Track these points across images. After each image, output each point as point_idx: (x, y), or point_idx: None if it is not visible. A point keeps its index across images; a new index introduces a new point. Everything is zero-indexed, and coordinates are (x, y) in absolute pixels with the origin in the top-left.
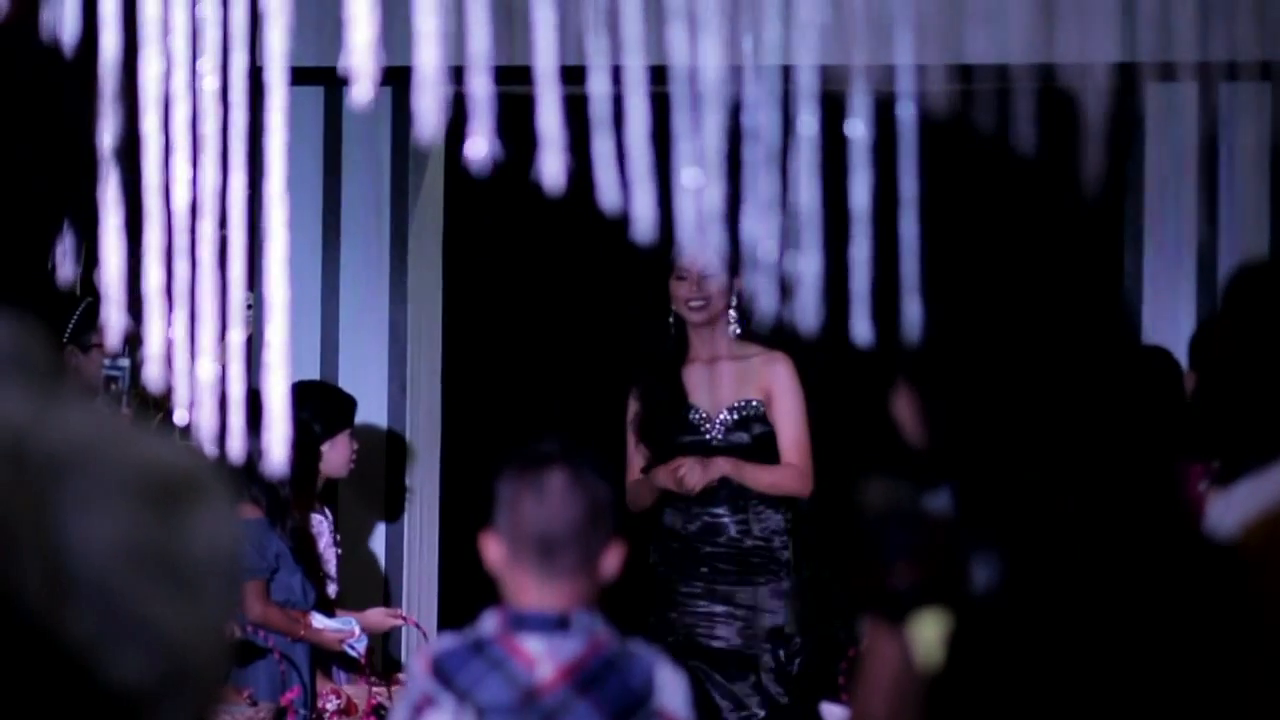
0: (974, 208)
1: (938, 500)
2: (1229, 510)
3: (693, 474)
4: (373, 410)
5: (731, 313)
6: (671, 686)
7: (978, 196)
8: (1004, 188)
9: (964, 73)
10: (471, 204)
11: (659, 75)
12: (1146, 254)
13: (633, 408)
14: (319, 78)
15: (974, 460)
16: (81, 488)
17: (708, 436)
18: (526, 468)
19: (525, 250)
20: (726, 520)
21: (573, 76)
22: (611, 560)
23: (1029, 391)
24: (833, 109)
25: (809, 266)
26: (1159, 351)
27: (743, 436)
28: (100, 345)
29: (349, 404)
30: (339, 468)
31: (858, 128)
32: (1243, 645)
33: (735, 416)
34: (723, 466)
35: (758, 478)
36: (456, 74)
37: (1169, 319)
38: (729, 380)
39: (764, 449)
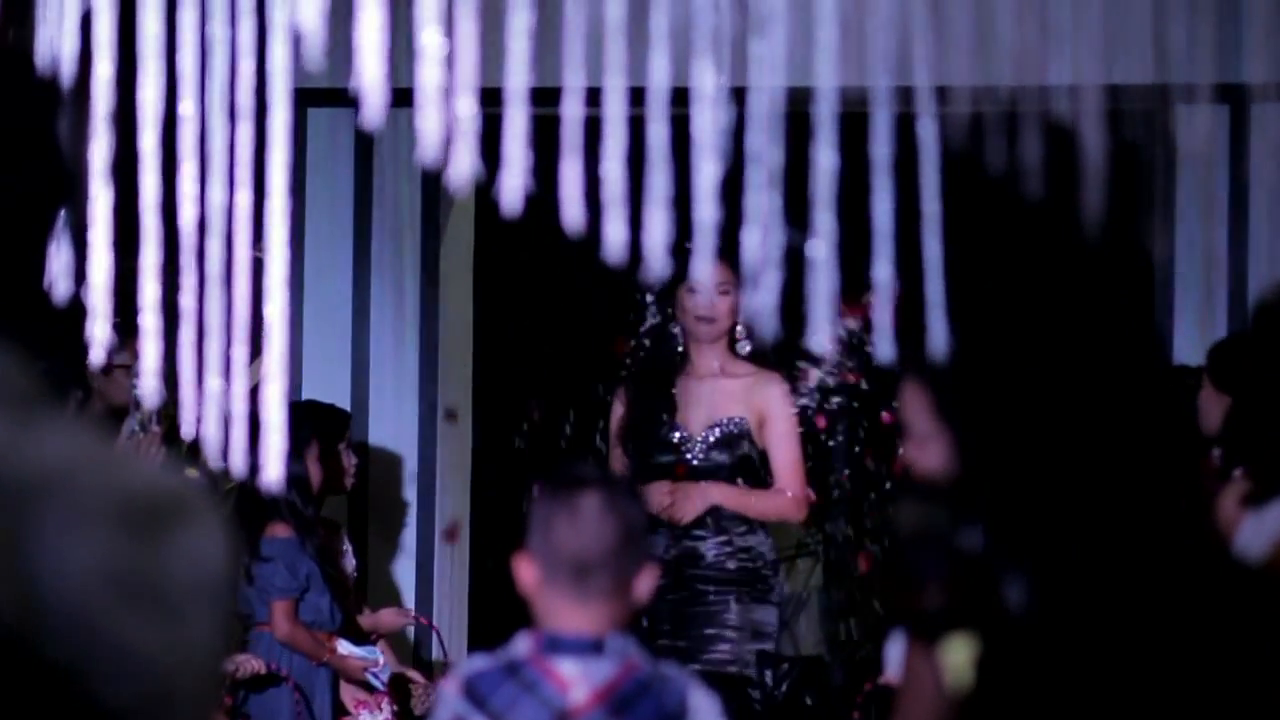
0: (1004, 233)
1: (969, 523)
2: (1260, 530)
3: (683, 508)
4: (404, 432)
5: (740, 329)
6: (705, 709)
7: (1007, 221)
8: (1031, 213)
9: (991, 95)
10: (502, 227)
11: (638, 96)
12: (1177, 276)
13: (617, 411)
14: (351, 99)
15: (1004, 484)
16: (56, 512)
17: (688, 455)
18: (560, 491)
19: (556, 273)
20: (708, 543)
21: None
22: (645, 583)
23: (1059, 415)
24: (857, 129)
25: (822, 284)
26: (1199, 372)
27: (723, 457)
28: (123, 366)
29: (342, 418)
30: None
31: (880, 147)
32: (1276, 666)
33: (718, 434)
34: (714, 496)
35: (751, 505)
36: (489, 96)
37: (1200, 341)
38: (718, 397)
39: (745, 469)
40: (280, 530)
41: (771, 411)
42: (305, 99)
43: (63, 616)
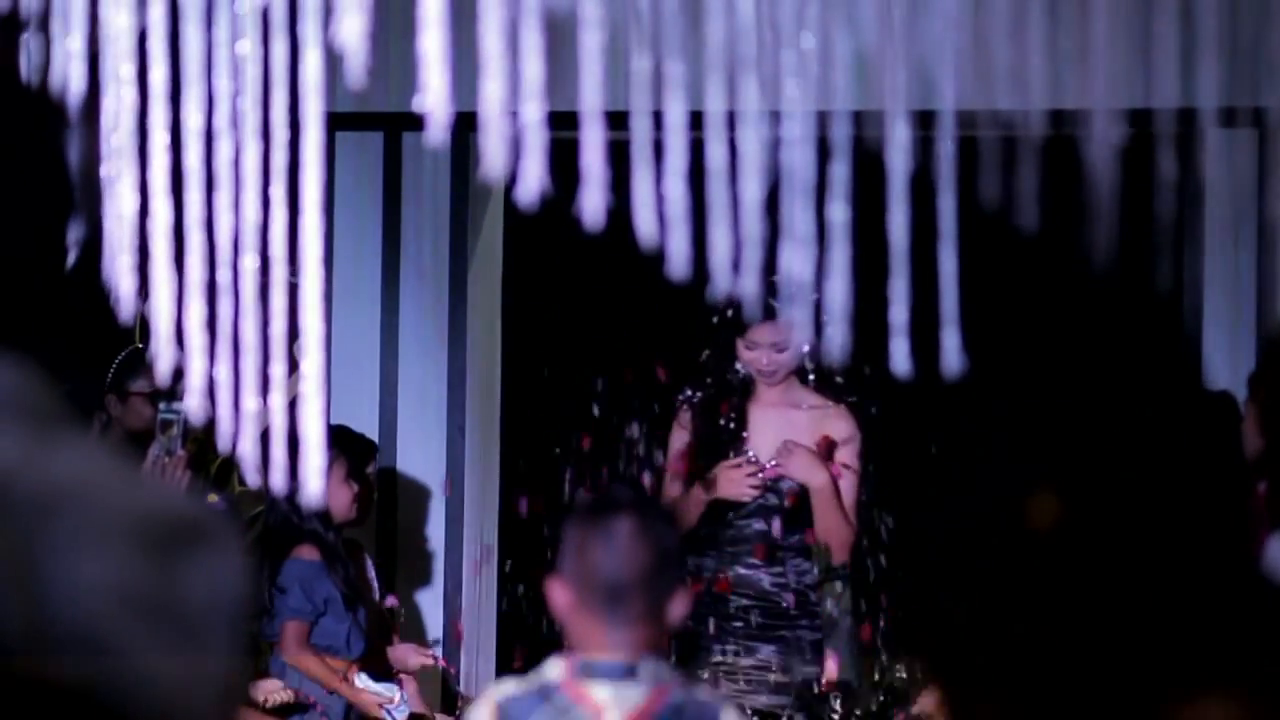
0: (1028, 260)
1: (998, 555)
2: None
3: (789, 461)
4: (432, 453)
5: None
6: None
7: (1030, 248)
8: (1056, 240)
9: (1016, 119)
10: (531, 246)
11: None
12: (1205, 304)
13: (680, 437)
14: (379, 122)
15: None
16: (68, 531)
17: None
18: (595, 514)
19: (584, 292)
20: (761, 573)
21: (618, 121)
22: (678, 607)
23: (1093, 441)
24: (875, 146)
25: (838, 298)
26: (1223, 396)
27: (787, 485)
28: (141, 393)
29: (369, 447)
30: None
31: (897, 161)
32: None
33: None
34: (818, 477)
35: (830, 515)
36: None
37: (1229, 370)
38: (787, 429)
39: (805, 502)
40: (306, 552)
41: (841, 444)
42: (333, 123)
43: (76, 636)
